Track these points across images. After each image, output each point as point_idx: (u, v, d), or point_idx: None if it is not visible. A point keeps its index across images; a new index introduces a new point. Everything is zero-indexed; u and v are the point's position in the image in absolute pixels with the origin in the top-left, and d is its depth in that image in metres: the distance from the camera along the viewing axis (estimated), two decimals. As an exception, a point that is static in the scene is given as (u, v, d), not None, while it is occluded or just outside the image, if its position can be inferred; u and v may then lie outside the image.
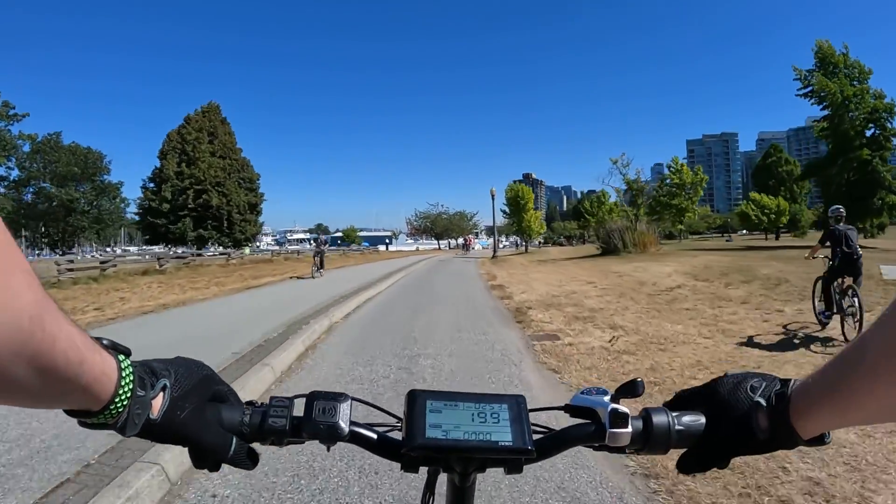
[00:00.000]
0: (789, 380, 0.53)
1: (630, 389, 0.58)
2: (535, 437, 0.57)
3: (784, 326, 6.81)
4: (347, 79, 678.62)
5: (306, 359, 5.47)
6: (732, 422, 0.53)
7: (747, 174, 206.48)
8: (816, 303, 7.08)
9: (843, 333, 5.98)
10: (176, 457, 2.91)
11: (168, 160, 39.20)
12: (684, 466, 0.58)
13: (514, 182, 49.38)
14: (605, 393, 0.58)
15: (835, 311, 6.46)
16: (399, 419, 0.59)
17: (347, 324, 7.72)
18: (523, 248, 48.10)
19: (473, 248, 61.00)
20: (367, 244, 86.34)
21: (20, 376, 0.34)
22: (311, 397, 0.56)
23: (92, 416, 0.44)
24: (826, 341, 5.88)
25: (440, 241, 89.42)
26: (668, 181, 40.02)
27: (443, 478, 0.61)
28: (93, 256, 27.72)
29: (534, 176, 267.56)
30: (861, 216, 31.65)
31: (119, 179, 46.17)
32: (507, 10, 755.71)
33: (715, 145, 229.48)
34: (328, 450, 0.58)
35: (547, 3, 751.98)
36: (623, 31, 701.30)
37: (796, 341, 5.99)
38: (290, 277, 16.86)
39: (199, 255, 29.16)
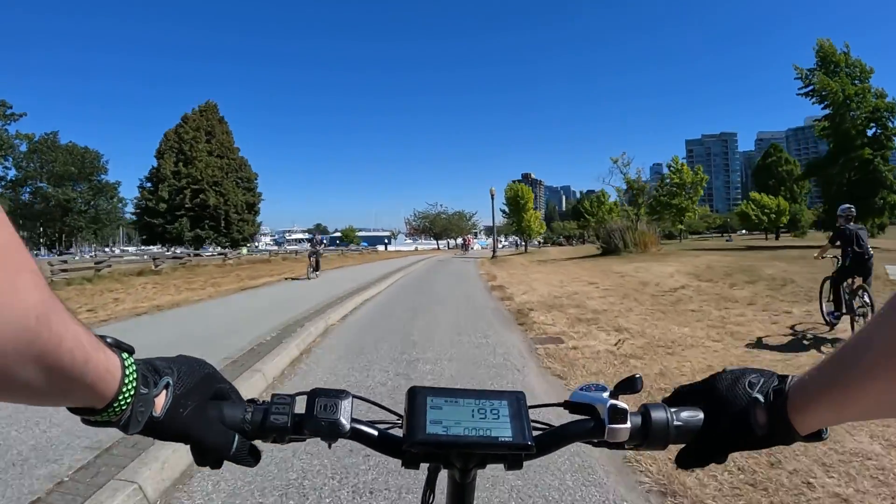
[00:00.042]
0: (787, 376, 0.52)
1: (629, 385, 0.58)
2: (535, 433, 0.57)
3: (792, 328, 6.65)
4: (346, 79, 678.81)
5: (300, 363, 5.26)
6: (730, 417, 0.54)
7: (746, 174, 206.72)
8: (824, 303, 6.96)
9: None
10: (155, 474, 2.71)
11: (165, 159, 38.90)
12: (683, 461, 0.58)
13: (514, 182, 49.16)
14: (604, 389, 0.58)
15: (844, 311, 6.33)
16: (400, 416, 0.60)
17: (344, 326, 7.51)
18: (523, 248, 47.89)
19: (472, 248, 60.81)
20: (365, 244, 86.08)
21: (27, 375, 0.35)
22: (313, 395, 0.56)
23: (96, 413, 0.44)
24: (836, 342, 5.72)
25: (439, 242, 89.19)
26: (668, 181, 39.89)
27: (443, 476, 0.61)
28: (91, 256, 27.44)
29: (533, 176, 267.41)
30: (862, 216, 31.44)
31: (116, 179, 45.98)
32: (506, 10, 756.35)
33: (714, 145, 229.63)
34: (329, 447, 0.58)
35: (546, 3, 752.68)
36: (622, 31, 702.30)
37: (806, 342, 5.83)
38: (285, 278, 16.48)
39: (198, 255, 28.93)
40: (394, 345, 6.00)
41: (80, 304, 10.43)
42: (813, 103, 31.45)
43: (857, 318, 5.88)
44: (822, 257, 7.35)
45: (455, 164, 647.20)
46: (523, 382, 4.43)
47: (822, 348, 5.49)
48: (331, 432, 0.54)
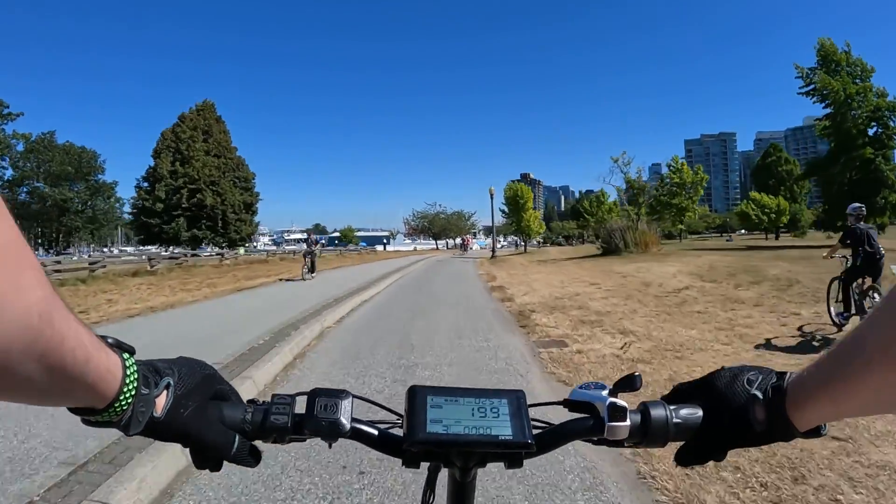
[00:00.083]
0: (785, 373, 0.53)
1: (628, 383, 0.58)
2: (535, 431, 0.56)
3: (800, 329, 6.48)
4: (345, 79, 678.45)
5: (293, 369, 5.04)
6: (729, 414, 0.54)
7: (745, 174, 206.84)
8: (832, 304, 6.81)
9: None
10: (131, 494, 2.50)
11: (162, 159, 38.58)
12: (682, 459, 0.58)
13: (514, 181, 48.94)
14: (603, 387, 0.58)
15: (854, 312, 6.19)
16: (400, 416, 0.60)
17: (341, 329, 7.28)
18: (522, 248, 47.67)
19: (471, 248, 60.52)
20: (364, 244, 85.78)
21: (28, 374, 0.35)
22: (313, 394, 0.56)
23: (96, 413, 0.44)
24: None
25: (438, 242, 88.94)
26: (667, 180, 39.70)
27: (443, 475, 0.61)
28: (89, 256, 27.17)
29: (532, 176, 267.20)
30: (864, 216, 31.33)
31: (114, 179, 45.67)
32: (505, 10, 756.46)
33: (713, 145, 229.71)
34: (329, 447, 0.58)
35: (544, 3, 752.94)
36: (622, 31, 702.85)
37: (815, 344, 5.66)
38: (280, 280, 16.11)
39: (195, 255, 28.68)
40: (391, 348, 5.78)
41: (72, 306, 10.17)
42: (814, 102, 31.33)
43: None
44: (832, 257, 7.20)
45: (454, 164, 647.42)
46: (527, 389, 4.19)
47: (834, 350, 5.31)
48: (331, 432, 0.54)
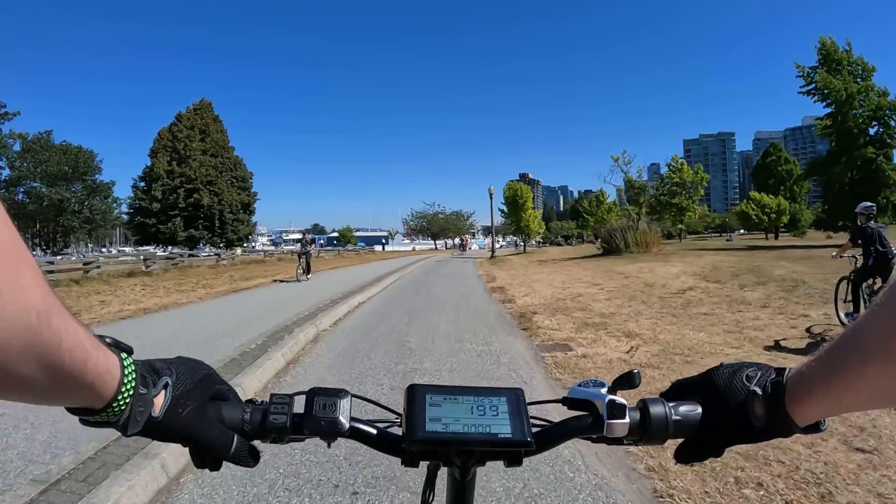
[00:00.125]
0: (784, 369, 0.53)
1: (627, 381, 0.57)
2: (534, 429, 0.56)
3: (807, 330, 6.31)
4: (344, 79, 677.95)
5: (286, 375, 4.82)
6: (729, 411, 0.54)
7: (744, 174, 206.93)
8: (840, 305, 6.65)
9: None
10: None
11: (159, 158, 38.24)
12: (682, 456, 0.58)
13: (513, 181, 48.63)
14: (602, 385, 0.58)
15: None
16: (399, 415, 0.59)
17: (337, 332, 7.05)
18: (521, 248, 47.41)
19: (470, 249, 60.26)
20: (362, 244, 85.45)
21: (26, 374, 0.35)
22: (312, 394, 0.56)
23: (94, 414, 0.44)
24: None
25: (437, 242, 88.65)
26: (666, 180, 39.46)
27: (442, 474, 0.60)
28: (83, 256, 26.88)
29: (530, 176, 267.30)
30: (874, 214, 31.15)
31: (111, 179, 45.17)
32: (504, 10, 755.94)
33: (712, 145, 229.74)
34: (329, 446, 0.57)
35: (543, 3, 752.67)
36: (621, 31, 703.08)
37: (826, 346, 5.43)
38: (274, 281, 15.68)
39: (192, 255, 28.41)
40: (389, 353, 5.56)
41: (63, 307, 10.01)
42: (814, 102, 31.13)
43: None
44: (841, 257, 7.07)
45: (453, 164, 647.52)
46: (531, 398, 4.00)
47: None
48: (330, 431, 0.54)
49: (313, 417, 0.54)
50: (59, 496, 2.54)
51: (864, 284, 6.31)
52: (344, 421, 0.54)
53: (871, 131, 30.28)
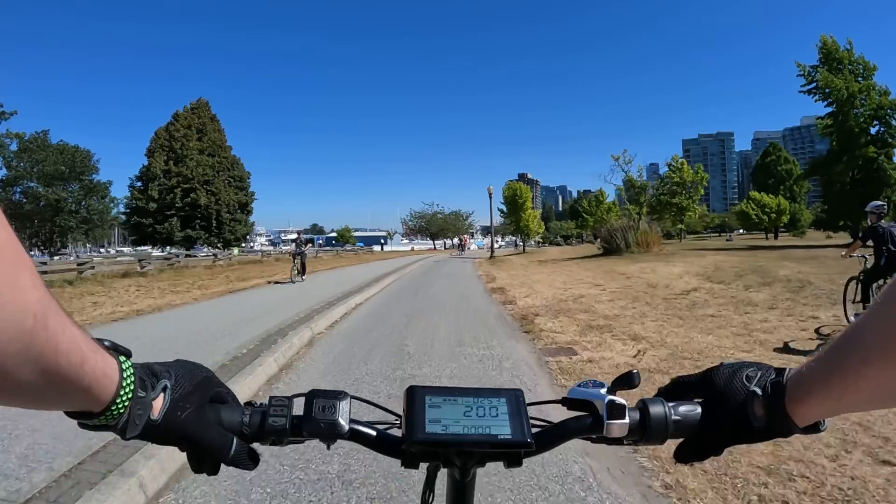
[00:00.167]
0: (784, 369, 0.52)
1: (627, 381, 0.57)
2: (534, 430, 0.56)
3: (817, 331, 6.14)
4: (343, 78, 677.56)
5: (278, 382, 4.59)
6: (729, 411, 0.54)
7: (743, 174, 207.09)
8: (850, 306, 6.50)
9: None
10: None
11: (155, 158, 37.89)
12: (682, 456, 0.58)
13: (512, 181, 48.37)
14: (601, 385, 0.58)
15: None
16: (398, 416, 0.59)
17: (332, 335, 6.82)
18: (521, 248, 47.18)
19: (469, 249, 60.05)
20: (361, 244, 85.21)
21: (23, 377, 0.34)
22: (311, 396, 0.56)
23: (93, 417, 0.44)
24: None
25: (435, 242, 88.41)
26: (666, 179, 39.24)
27: (442, 475, 0.60)
28: (77, 256, 26.65)
29: (529, 176, 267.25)
30: (866, 214, 31.02)
31: (108, 179, 44.82)
32: (503, 10, 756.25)
33: (711, 145, 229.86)
34: (328, 448, 0.57)
35: (542, 3, 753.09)
36: (620, 31, 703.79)
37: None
38: (268, 282, 15.27)
39: (190, 255, 28.16)
40: (386, 358, 5.34)
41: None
42: (815, 101, 30.98)
43: None
44: (850, 256, 6.92)
45: (452, 164, 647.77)
46: (538, 407, 3.79)
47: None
48: (329, 433, 0.54)
49: (312, 419, 0.54)
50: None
51: (875, 285, 6.19)
52: (343, 423, 0.54)
53: (873, 130, 30.14)
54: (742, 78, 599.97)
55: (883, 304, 0.41)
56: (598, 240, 28.48)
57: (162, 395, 0.49)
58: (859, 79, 29.69)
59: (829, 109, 30.94)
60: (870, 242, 6.52)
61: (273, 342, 5.71)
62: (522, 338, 6.35)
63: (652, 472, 2.79)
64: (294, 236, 16.68)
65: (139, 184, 39.14)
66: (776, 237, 59.43)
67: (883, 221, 6.52)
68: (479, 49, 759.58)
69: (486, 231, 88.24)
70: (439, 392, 0.57)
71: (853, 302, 6.41)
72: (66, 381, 0.38)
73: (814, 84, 30.51)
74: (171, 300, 11.12)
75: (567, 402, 0.60)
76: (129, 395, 0.44)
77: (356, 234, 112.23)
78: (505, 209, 46.19)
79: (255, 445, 0.56)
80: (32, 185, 46.34)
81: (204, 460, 0.52)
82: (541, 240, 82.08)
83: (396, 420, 0.60)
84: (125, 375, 0.44)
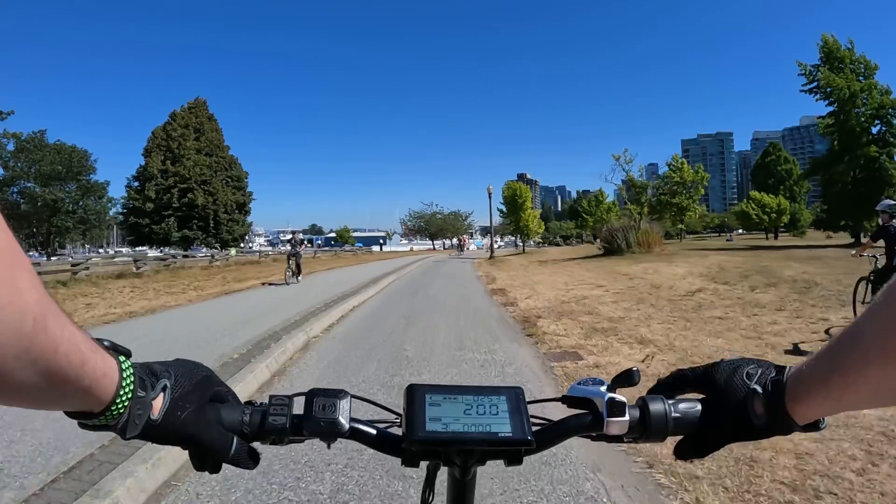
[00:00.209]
0: (784, 367, 0.53)
1: (626, 379, 0.58)
2: (534, 428, 0.57)
3: (827, 332, 5.99)
4: (342, 79, 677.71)
5: (270, 389, 4.36)
6: (729, 408, 0.54)
7: (742, 174, 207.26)
8: (859, 307, 6.38)
9: None
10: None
11: (153, 158, 37.59)
12: (682, 453, 0.58)
13: (511, 181, 48.13)
14: (601, 383, 0.58)
15: None
16: (398, 415, 0.59)
17: (328, 339, 6.59)
18: (521, 248, 46.94)
19: (468, 249, 59.84)
20: (360, 244, 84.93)
21: (22, 378, 0.35)
22: (311, 395, 0.56)
23: (93, 417, 0.44)
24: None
25: (434, 242, 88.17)
26: (666, 179, 39.00)
27: (442, 474, 0.60)
28: (78, 257, 26.38)
29: (528, 176, 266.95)
30: (867, 214, 30.89)
31: (106, 179, 44.53)
32: (502, 10, 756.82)
33: (710, 145, 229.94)
34: (328, 447, 0.57)
35: (541, 3, 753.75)
36: (619, 32, 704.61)
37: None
38: (263, 284, 14.77)
39: (187, 256, 27.93)
40: (383, 363, 5.12)
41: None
42: (817, 100, 30.83)
43: None
44: (861, 256, 6.80)
45: (451, 164, 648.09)
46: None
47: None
48: (330, 432, 0.54)
49: (313, 418, 0.54)
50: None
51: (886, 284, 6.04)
52: (343, 422, 0.54)
53: (874, 130, 29.98)
54: (741, 78, 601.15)
55: (882, 304, 0.40)
56: (598, 240, 28.28)
57: (162, 394, 0.49)
58: (860, 78, 29.52)
59: (831, 109, 30.78)
60: (881, 242, 6.42)
61: (266, 347, 5.48)
62: (525, 341, 6.14)
63: (670, 489, 2.59)
64: (289, 237, 16.24)
65: (136, 184, 38.87)
66: (776, 237, 59.29)
67: (894, 221, 6.37)
68: (479, 49, 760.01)
69: (486, 231, 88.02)
70: (439, 390, 0.56)
71: (863, 303, 6.30)
72: (65, 381, 0.38)
73: (815, 83, 30.35)
74: (166, 301, 10.92)
75: (567, 399, 0.60)
76: (129, 395, 0.44)
77: (355, 234, 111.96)
78: (504, 209, 45.98)
79: (256, 444, 0.55)
80: (29, 185, 46.05)
81: (205, 460, 0.52)
82: (541, 240, 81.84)
83: (397, 419, 0.60)
84: (125, 375, 0.44)
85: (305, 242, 20.07)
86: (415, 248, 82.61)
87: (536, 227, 44.55)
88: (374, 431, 0.58)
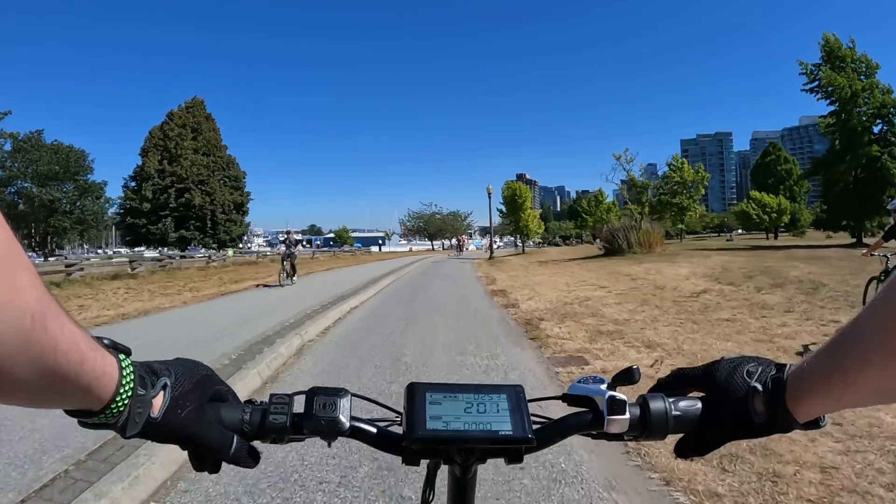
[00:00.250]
0: (785, 364, 0.53)
1: (627, 377, 0.58)
2: (535, 426, 0.57)
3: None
4: (342, 79, 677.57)
5: (262, 397, 4.16)
6: (729, 406, 0.54)
7: (741, 174, 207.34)
8: None
9: None
10: None
11: (149, 157, 37.26)
12: (682, 451, 0.57)
13: (511, 181, 47.89)
14: (602, 381, 0.58)
15: None
16: (399, 414, 0.59)
17: (324, 343, 6.37)
18: (520, 248, 46.70)
19: (467, 249, 59.63)
20: (359, 245, 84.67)
21: (22, 376, 0.35)
22: (311, 393, 0.55)
23: (93, 415, 0.44)
24: None
25: (433, 242, 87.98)
26: (666, 179, 38.77)
27: (443, 473, 0.60)
28: (74, 256, 26.15)
29: (528, 176, 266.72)
30: (869, 214, 30.75)
31: (104, 179, 44.33)
32: (501, 10, 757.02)
33: (709, 145, 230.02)
34: (329, 445, 0.56)
35: (540, 4, 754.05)
36: (619, 32, 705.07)
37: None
38: (257, 285, 14.32)
39: (184, 256, 27.70)
40: (381, 369, 4.90)
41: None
42: (818, 99, 30.64)
43: None
44: (871, 255, 6.62)
45: (450, 164, 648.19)
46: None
47: None
48: (330, 431, 0.54)
49: (313, 417, 0.53)
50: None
51: None
52: (344, 420, 0.53)
53: (876, 129, 29.81)
54: (741, 78, 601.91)
55: (882, 301, 0.40)
56: (599, 240, 28.06)
57: (162, 393, 0.48)
58: (862, 77, 29.34)
59: (832, 108, 30.60)
60: (892, 242, 6.36)
61: (258, 351, 5.26)
62: (528, 345, 5.93)
63: (688, 509, 2.39)
64: (283, 237, 15.77)
65: (133, 184, 38.58)
66: (776, 237, 59.14)
67: None
68: (479, 49, 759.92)
69: (485, 231, 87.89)
70: (440, 389, 0.56)
71: None
72: (65, 379, 0.37)
73: (816, 82, 30.18)
74: (160, 303, 10.71)
75: (567, 398, 0.60)
76: (129, 394, 0.44)
77: (354, 234, 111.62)
78: (504, 209, 45.76)
79: (256, 443, 0.55)
80: (26, 185, 45.77)
81: (205, 459, 0.51)
82: (540, 240, 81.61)
83: (397, 417, 0.59)
84: (125, 374, 0.44)
85: (304, 243, 19.68)
86: (414, 248, 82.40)
87: (536, 228, 44.32)
88: (374, 430, 0.57)
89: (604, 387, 0.57)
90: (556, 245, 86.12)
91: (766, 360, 0.55)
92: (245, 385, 4.22)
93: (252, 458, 0.54)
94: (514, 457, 0.55)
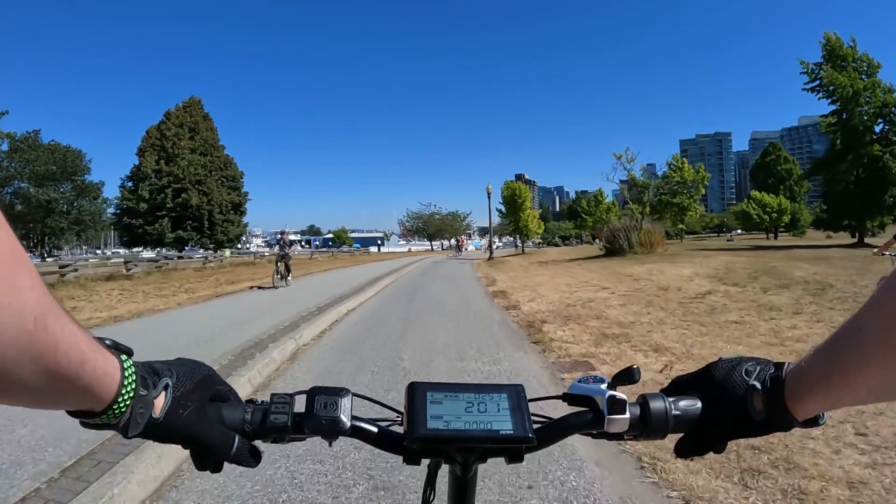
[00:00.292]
0: (783, 363, 0.53)
1: (627, 376, 0.58)
2: (535, 425, 0.57)
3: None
4: (341, 80, 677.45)
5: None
6: (728, 405, 0.54)
7: (740, 174, 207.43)
8: None
9: None
10: None
11: (146, 157, 37.00)
12: (682, 451, 0.58)
13: (510, 181, 47.65)
14: (602, 381, 0.58)
15: None
16: (400, 413, 0.59)
17: (319, 347, 6.16)
18: (520, 248, 46.46)
19: (466, 249, 59.37)
20: (358, 245, 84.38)
21: (23, 377, 0.35)
22: (312, 393, 0.55)
23: (95, 416, 0.44)
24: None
25: (432, 242, 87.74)
26: (666, 179, 38.54)
27: (443, 473, 0.60)
28: (77, 259, 25.94)
29: (527, 176, 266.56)
30: (870, 213, 30.60)
31: (101, 179, 43.97)
32: (501, 11, 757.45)
33: (708, 145, 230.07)
34: (330, 445, 0.56)
35: (539, 4, 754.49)
36: (618, 32, 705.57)
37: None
38: (250, 287, 13.77)
39: (181, 257, 27.47)
40: (378, 375, 4.69)
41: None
42: (819, 98, 30.52)
43: None
44: (883, 254, 6.61)
45: (450, 164, 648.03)
46: (561, 443, 3.17)
47: None
48: (331, 430, 0.54)
49: (314, 416, 0.53)
50: None
51: None
52: (345, 420, 0.54)
53: (877, 129, 29.67)
54: (740, 78, 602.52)
55: (881, 298, 0.40)
56: (599, 240, 27.87)
57: (163, 393, 0.48)
58: (863, 76, 29.19)
59: (833, 108, 30.46)
60: None
61: (250, 356, 5.05)
62: (531, 349, 5.72)
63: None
64: (291, 237, 15.52)
65: (130, 184, 38.33)
66: (776, 237, 58.98)
67: None
68: (479, 49, 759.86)
69: (484, 232, 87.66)
70: (440, 388, 0.56)
71: None
72: (66, 380, 0.37)
73: (818, 82, 30.04)
74: (155, 305, 10.50)
75: (568, 397, 0.60)
76: (131, 394, 0.44)
77: (353, 235, 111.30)
78: (503, 209, 45.53)
79: (257, 443, 0.55)
80: (23, 185, 45.49)
81: (206, 459, 0.51)
82: (540, 240, 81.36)
83: (398, 417, 0.59)
84: (126, 374, 0.44)
85: (302, 243, 19.45)
86: (413, 248, 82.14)
87: (536, 228, 44.08)
88: (375, 430, 0.57)
89: (604, 386, 0.57)
90: (556, 245, 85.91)
91: (764, 359, 0.55)
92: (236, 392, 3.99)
93: (253, 458, 0.54)
94: (514, 456, 0.55)
